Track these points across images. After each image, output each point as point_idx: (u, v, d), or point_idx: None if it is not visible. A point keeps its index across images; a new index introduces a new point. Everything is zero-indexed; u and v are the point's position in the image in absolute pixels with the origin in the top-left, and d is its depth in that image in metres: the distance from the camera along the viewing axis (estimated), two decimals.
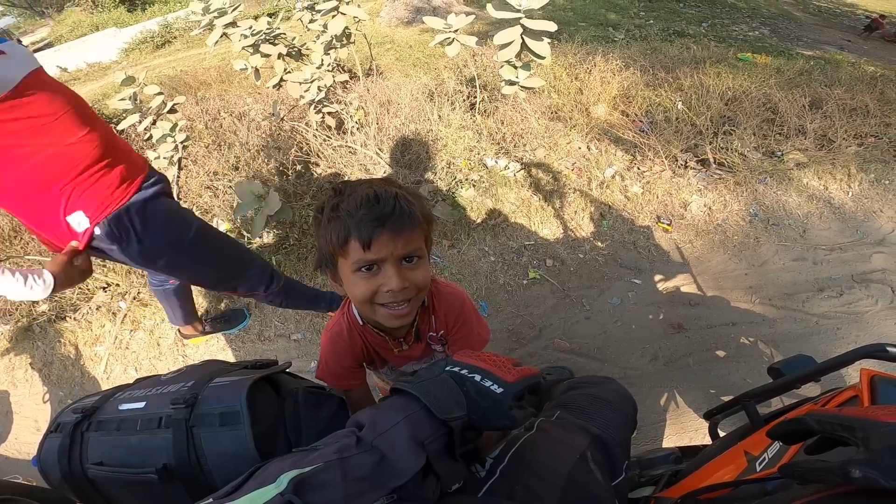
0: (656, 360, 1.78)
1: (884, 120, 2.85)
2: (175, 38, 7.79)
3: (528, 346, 1.86)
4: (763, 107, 2.88)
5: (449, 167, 2.50)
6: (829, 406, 0.79)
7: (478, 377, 0.55)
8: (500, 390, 0.54)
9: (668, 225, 2.30)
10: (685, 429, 1.58)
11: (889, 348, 0.81)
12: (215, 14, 2.30)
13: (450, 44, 2.35)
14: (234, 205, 2.23)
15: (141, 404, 0.73)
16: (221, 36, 2.36)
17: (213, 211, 2.34)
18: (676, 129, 2.70)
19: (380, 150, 2.54)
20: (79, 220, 1.09)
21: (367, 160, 2.48)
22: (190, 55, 6.04)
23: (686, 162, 2.53)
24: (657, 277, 2.10)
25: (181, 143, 2.19)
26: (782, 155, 2.59)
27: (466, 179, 2.47)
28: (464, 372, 0.57)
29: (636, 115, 2.91)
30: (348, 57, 3.17)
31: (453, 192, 2.42)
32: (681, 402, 1.65)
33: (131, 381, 0.86)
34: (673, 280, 2.09)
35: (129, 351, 2.00)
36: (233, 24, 2.35)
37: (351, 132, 2.55)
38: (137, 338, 2.03)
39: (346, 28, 2.42)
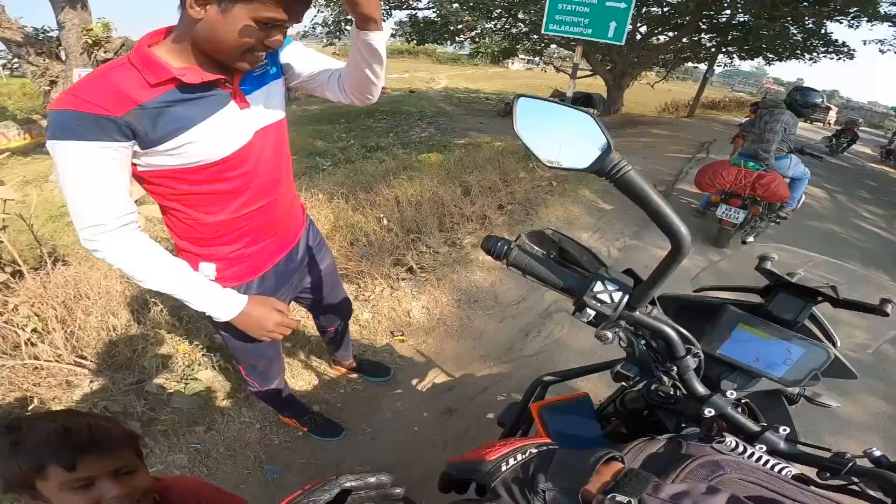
0: (447, 444, 1.97)
1: (507, 190, 4.02)
2: None
3: None
4: (436, 204, 3.68)
5: (172, 358, 2.25)
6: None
7: None
8: None
9: (402, 335, 2.60)
10: None
11: (545, 377, 1.09)
12: None
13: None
14: None
15: None
16: None
17: None
18: (381, 248, 3.15)
19: (81, 357, 2.10)
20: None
21: (64, 374, 2.02)
22: None
23: (398, 275, 2.95)
24: (413, 381, 2.33)
25: None
26: (460, 242, 3.34)
27: (198, 363, 2.26)
28: None
29: (349, 243, 3.29)
30: (2, 248, 2.53)
31: (186, 380, 2.18)
32: None
33: None
34: (426, 377, 2.35)
35: None
36: None
37: (28, 345, 2.03)
38: None
39: None
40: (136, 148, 0.91)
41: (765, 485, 0.51)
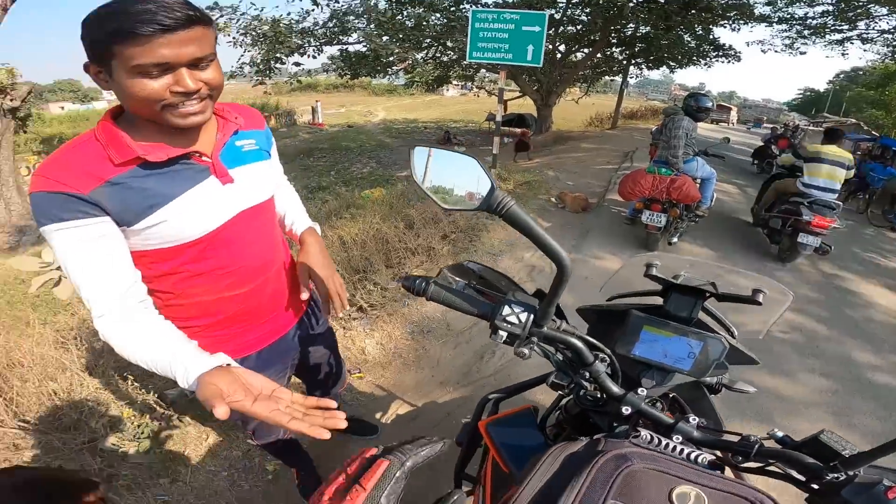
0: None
1: (449, 219, 4.16)
2: None
3: None
4: (381, 240, 3.75)
5: (122, 419, 2.17)
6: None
7: None
8: None
9: (360, 373, 2.61)
10: None
11: (490, 395, 1.14)
12: None
13: (56, 284, 2.05)
14: None
15: None
16: None
17: None
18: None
19: (24, 421, 1.99)
20: None
21: (10, 437, 1.91)
22: None
23: (349, 315, 2.98)
24: (377, 415, 2.35)
25: None
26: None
27: (153, 420, 2.19)
28: None
29: None
30: None
31: (143, 437, 2.11)
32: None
33: None
34: (389, 410, 2.37)
35: None
36: None
37: None
38: None
39: None
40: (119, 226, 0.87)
41: (671, 472, 0.56)
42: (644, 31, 13.42)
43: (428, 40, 12.89)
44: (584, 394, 0.86)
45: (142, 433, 2.13)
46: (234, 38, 10.36)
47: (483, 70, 16.30)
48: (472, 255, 3.84)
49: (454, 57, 14.20)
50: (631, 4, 10.04)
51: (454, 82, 19.50)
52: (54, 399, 2.16)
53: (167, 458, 2.04)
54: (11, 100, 7.72)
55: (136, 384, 2.31)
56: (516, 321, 0.75)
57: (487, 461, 1.02)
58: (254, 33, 10.35)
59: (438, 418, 2.31)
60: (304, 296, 1.21)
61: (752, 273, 0.96)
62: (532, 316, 0.75)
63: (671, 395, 0.96)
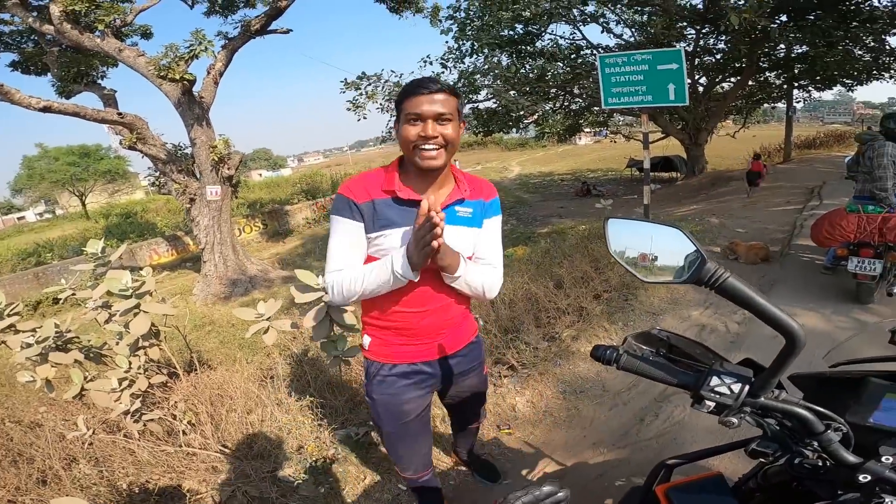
0: None
1: (601, 278, 3.97)
2: None
3: None
4: (530, 300, 3.74)
5: (299, 451, 2.47)
6: None
7: None
8: None
9: (509, 429, 2.59)
10: None
11: (668, 461, 1.03)
12: None
13: (265, 332, 2.45)
14: None
15: None
16: None
17: None
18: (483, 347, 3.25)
19: (224, 447, 2.38)
20: None
21: (211, 460, 2.29)
22: None
23: (500, 373, 3.00)
24: (523, 471, 2.28)
25: None
26: (559, 336, 3.33)
27: (324, 458, 2.45)
28: None
29: None
30: (161, 353, 3.04)
31: (313, 471, 2.37)
32: None
33: None
34: (536, 467, 2.30)
35: None
36: (11, 327, 2.02)
37: (183, 433, 2.34)
38: None
39: (153, 325, 2.31)
40: (365, 232, 1.27)
41: None
42: (801, 51, 11.68)
43: (553, 90, 13.10)
44: (802, 462, 0.78)
45: (315, 466, 2.38)
46: (381, 104, 11.87)
47: (616, 114, 15.81)
48: (628, 314, 3.57)
49: (583, 104, 14.10)
50: (776, 25, 8.83)
51: (586, 130, 19.28)
52: (250, 429, 2.54)
53: (329, 493, 2.23)
54: (228, 168, 9.31)
55: (315, 422, 2.63)
56: (727, 391, 0.73)
57: None
58: (396, 99, 11.74)
59: (588, 479, 2.17)
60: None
61: None
62: (747, 387, 0.73)
63: None
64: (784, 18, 10.13)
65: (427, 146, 1.18)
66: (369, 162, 37.67)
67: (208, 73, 9.08)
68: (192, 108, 8.81)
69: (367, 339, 1.48)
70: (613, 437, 2.44)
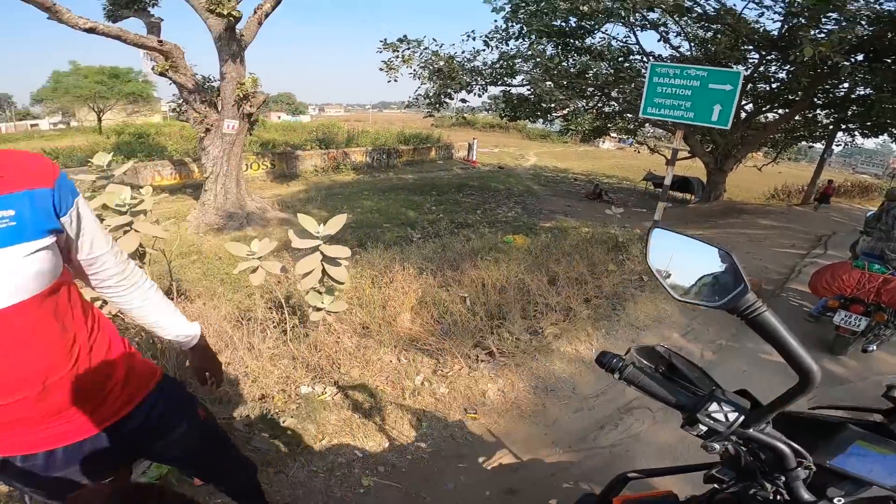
0: None
1: (595, 283, 3.97)
2: None
3: None
4: (521, 291, 3.75)
5: (262, 401, 2.48)
6: None
7: None
8: None
9: (475, 414, 2.63)
10: None
11: (629, 473, 1.06)
12: None
13: (254, 272, 2.42)
14: None
15: None
16: None
17: None
18: (464, 328, 3.26)
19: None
20: None
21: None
22: None
23: (478, 356, 3.02)
24: (480, 458, 2.34)
25: None
26: (542, 331, 3.34)
27: (284, 411, 2.47)
28: None
29: (434, 319, 3.45)
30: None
31: (270, 424, 2.39)
32: None
33: None
34: (493, 456, 2.35)
35: None
36: None
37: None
38: None
39: (141, 246, 2.28)
40: None
41: None
42: (862, 93, 11.32)
43: (591, 89, 12.84)
44: (755, 493, 0.81)
45: (273, 419, 2.39)
46: (414, 70, 11.65)
47: (647, 125, 15.53)
48: (613, 323, 3.59)
49: (617, 109, 13.84)
50: (849, 63, 8.56)
51: (612, 135, 18.96)
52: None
53: (283, 449, 2.25)
54: (251, 106, 9.45)
55: (284, 374, 2.65)
56: (723, 419, 0.75)
57: None
58: (431, 67, 11.53)
59: (539, 476, 2.24)
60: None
61: None
62: (742, 417, 0.75)
63: None
64: (860, 58, 9.78)
65: None
66: (389, 123, 37.11)
67: (255, 12, 9.15)
68: (231, 44, 8.93)
69: None
70: (572, 440, 2.49)
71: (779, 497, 0.81)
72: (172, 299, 2.84)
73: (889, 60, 9.42)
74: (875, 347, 3.69)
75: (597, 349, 3.27)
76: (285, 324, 2.89)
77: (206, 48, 9.63)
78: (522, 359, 3.04)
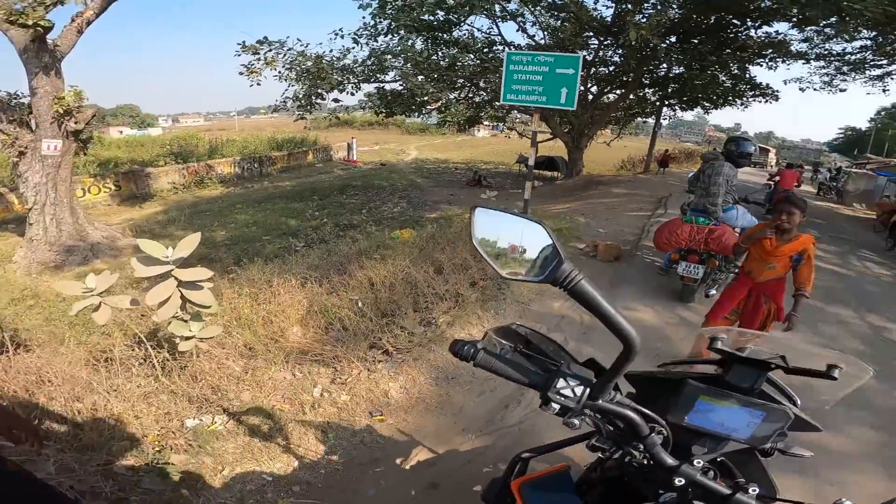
0: None
1: (479, 266, 4.15)
2: None
3: None
4: (410, 284, 3.76)
5: (142, 442, 2.19)
6: None
7: None
8: None
9: (381, 416, 2.59)
10: None
11: (523, 454, 1.09)
12: None
13: (96, 309, 2.12)
14: None
15: None
16: None
17: None
18: (356, 332, 3.18)
19: (46, 442, 2.02)
20: None
21: (24, 454, 1.92)
22: None
23: (374, 357, 2.96)
24: (396, 460, 2.30)
25: None
26: (435, 321, 3.40)
27: (171, 447, 2.20)
28: None
29: (324, 327, 3.30)
30: None
31: (158, 464, 2.11)
32: None
33: None
34: (409, 455, 2.32)
35: None
36: None
37: None
38: None
39: None
40: None
41: None
42: (678, 72, 13.47)
43: (461, 80, 13.40)
44: (630, 460, 0.83)
45: (159, 460, 2.14)
46: (279, 72, 11.03)
47: (514, 111, 16.69)
48: (500, 303, 3.79)
49: (486, 98, 14.64)
50: (665, 45, 10.11)
51: (485, 123, 20.03)
52: (77, 418, 2.21)
53: (180, 485, 2.03)
54: (76, 122, 8.07)
55: (162, 411, 2.35)
56: (571, 394, 0.75)
57: None
58: (298, 68, 11.00)
59: (457, 466, 2.27)
60: None
61: (832, 351, 0.91)
62: (588, 390, 0.75)
63: (719, 459, 0.92)
64: (673, 40, 11.54)
65: None
66: (259, 129, 34.54)
67: (73, 20, 7.74)
68: (41, 56, 7.48)
69: None
70: (480, 424, 2.56)
71: (650, 462, 0.83)
72: (5, 353, 2.44)
73: (696, 41, 11.36)
74: (716, 291, 4.18)
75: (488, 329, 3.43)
76: (153, 359, 2.60)
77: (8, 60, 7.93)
78: (419, 352, 3.05)
